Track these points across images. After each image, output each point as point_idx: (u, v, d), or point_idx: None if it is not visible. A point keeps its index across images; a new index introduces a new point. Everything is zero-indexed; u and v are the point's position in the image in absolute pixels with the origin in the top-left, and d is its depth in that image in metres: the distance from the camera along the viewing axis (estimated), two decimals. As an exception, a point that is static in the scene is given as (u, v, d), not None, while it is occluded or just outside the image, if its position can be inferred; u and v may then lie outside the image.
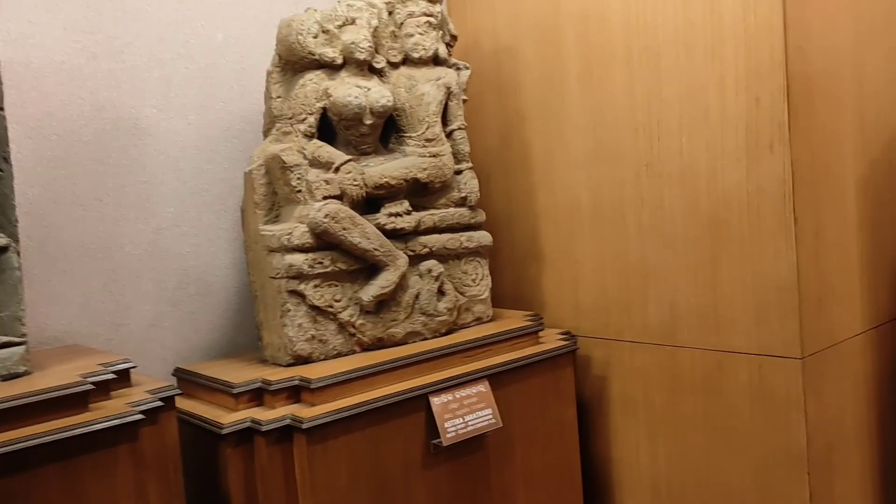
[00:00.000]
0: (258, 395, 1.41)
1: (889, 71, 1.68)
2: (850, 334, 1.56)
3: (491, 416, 1.53)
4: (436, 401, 1.47)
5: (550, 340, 1.74)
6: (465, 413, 1.50)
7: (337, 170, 1.50)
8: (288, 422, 1.33)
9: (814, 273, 1.46)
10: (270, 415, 1.34)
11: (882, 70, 1.66)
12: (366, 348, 1.55)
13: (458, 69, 1.74)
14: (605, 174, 1.71)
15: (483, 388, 1.54)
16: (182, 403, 1.47)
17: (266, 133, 1.58)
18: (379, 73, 1.63)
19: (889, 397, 1.66)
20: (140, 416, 1.17)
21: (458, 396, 1.50)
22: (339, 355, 1.52)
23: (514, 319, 1.76)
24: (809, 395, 1.44)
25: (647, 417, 1.69)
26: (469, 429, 1.49)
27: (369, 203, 1.57)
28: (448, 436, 1.46)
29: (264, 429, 1.31)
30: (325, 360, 1.50)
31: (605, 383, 1.77)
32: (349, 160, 1.52)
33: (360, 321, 1.53)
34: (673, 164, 1.59)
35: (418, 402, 1.46)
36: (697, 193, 1.56)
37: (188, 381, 1.53)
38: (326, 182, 1.49)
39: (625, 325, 1.71)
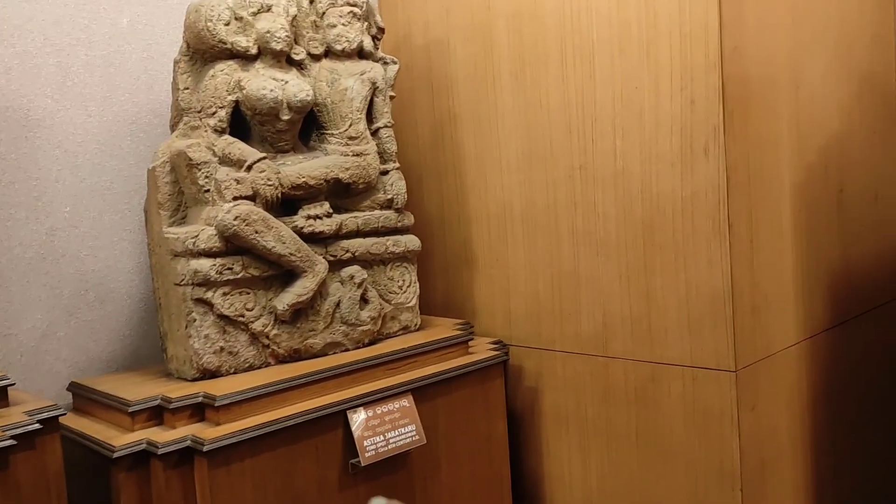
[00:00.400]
0: (158, 413, 1.29)
1: (826, 76, 1.66)
2: (784, 345, 1.52)
3: (414, 433, 1.44)
4: (354, 417, 1.38)
5: (481, 350, 1.66)
6: (387, 430, 1.41)
7: (249, 168, 1.39)
8: (188, 443, 1.21)
9: (748, 282, 1.42)
10: (169, 436, 1.23)
11: (819, 75, 1.63)
12: (281, 360, 1.45)
13: (386, 63, 1.64)
14: (537, 177, 1.64)
15: (406, 402, 1.45)
16: (76, 422, 1.35)
17: (173, 127, 1.46)
18: (299, 65, 1.53)
19: (824, 410, 1.63)
20: (11, 442, 1.04)
21: (379, 412, 1.41)
22: (251, 368, 1.41)
23: (444, 328, 1.67)
24: (743, 409, 1.40)
25: (579, 431, 1.62)
26: (390, 447, 1.40)
27: (287, 205, 1.47)
28: (367, 455, 1.37)
29: (161, 451, 1.19)
30: (235, 373, 1.39)
31: (537, 395, 1.69)
32: (263, 158, 1.41)
33: (274, 331, 1.43)
34: (607, 168, 1.53)
35: (335, 419, 1.36)
36: (631, 198, 1.49)
37: (84, 396, 1.40)
38: (237, 181, 1.38)
39: (557, 335, 1.64)
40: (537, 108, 1.63)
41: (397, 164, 1.64)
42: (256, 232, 1.37)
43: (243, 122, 1.47)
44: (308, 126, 1.56)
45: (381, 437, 1.39)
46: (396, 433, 1.41)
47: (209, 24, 1.40)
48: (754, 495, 1.42)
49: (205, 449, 1.19)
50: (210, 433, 1.21)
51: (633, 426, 1.53)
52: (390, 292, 1.61)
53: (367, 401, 1.40)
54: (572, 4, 1.54)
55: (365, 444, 1.36)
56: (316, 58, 1.56)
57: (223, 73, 1.42)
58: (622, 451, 1.55)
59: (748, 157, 1.42)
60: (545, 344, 1.67)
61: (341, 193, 1.55)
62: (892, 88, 1.91)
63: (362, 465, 1.36)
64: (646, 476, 1.52)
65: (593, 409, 1.60)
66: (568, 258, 1.61)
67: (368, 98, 1.59)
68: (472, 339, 1.66)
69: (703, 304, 1.41)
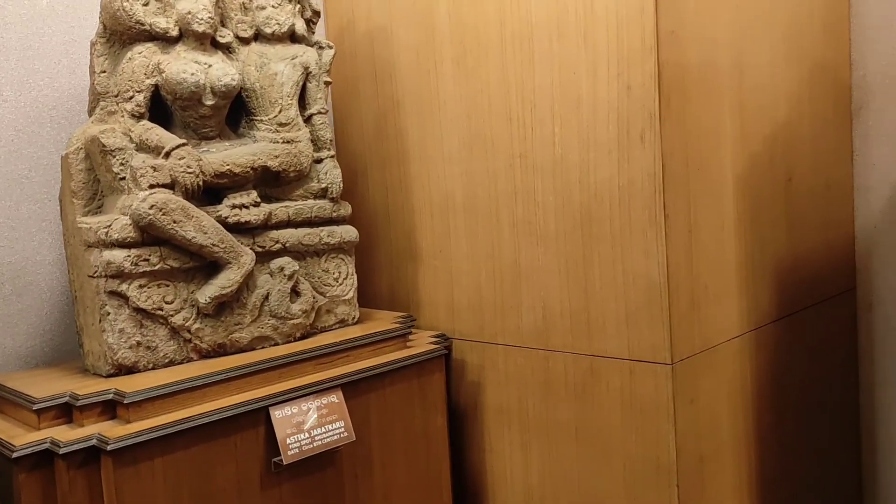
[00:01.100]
0: (68, 410, 1.24)
1: (773, 62, 1.62)
2: (726, 337, 1.48)
3: (343, 430, 1.39)
4: (277, 414, 1.33)
5: (420, 344, 1.61)
6: (313, 427, 1.36)
7: (167, 155, 1.33)
8: (94, 442, 1.16)
9: (685, 273, 1.38)
10: (75, 434, 1.17)
11: (765, 61, 1.59)
12: (205, 355, 1.39)
13: (321, 48, 1.59)
14: (479, 166, 1.60)
15: (335, 398, 1.40)
16: (-15, 420, 1.29)
17: (91, 112, 1.40)
18: (226, 48, 1.47)
19: (769, 405, 1.60)
20: None
21: (304, 409, 1.36)
22: (171, 364, 1.36)
23: (382, 322, 1.62)
24: (680, 404, 1.36)
25: (520, 426, 1.58)
26: (315, 444, 1.35)
27: (213, 194, 1.41)
28: (290, 453, 1.32)
29: (63, 451, 1.13)
30: (154, 369, 1.34)
31: (480, 390, 1.65)
32: (182, 144, 1.35)
33: (196, 325, 1.37)
34: (546, 156, 1.48)
35: (257, 417, 1.31)
36: (570, 187, 1.45)
37: (-3, 394, 1.34)
38: (154, 168, 1.32)
39: (499, 328, 1.60)
40: (478, 94, 1.58)
41: (332, 152, 1.58)
42: (175, 222, 1.31)
43: (167, 107, 1.41)
44: (238, 112, 1.51)
45: (306, 435, 1.34)
46: (323, 430, 1.36)
47: (125, 3, 1.34)
48: (691, 491, 1.39)
49: (109, 448, 1.13)
50: (116, 431, 1.16)
51: (573, 421, 1.49)
52: (325, 284, 1.56)
53: (292, 397, 1.35)
54: (512, -13, 1.49)
55: (288, 441, 1.31)
56: (245, 41, 1.50)
57: (141, 56, 1.36)
58: (562, 446, 1.51)
59: (686, 144, 1.38)
60: (488, 337, 1.62)
61: (271, 182, 1.49)
62: (845, 76, 1.87)
63: (285, 463, 1.31)
64: (585, 472, 1.48)
65: (534, 404, 1.55)
66: (509, 249, 1.56)
67: (300, 83, 1.53)
68: (410, 333, 1.61)
69: (639, 295, 1.37)
